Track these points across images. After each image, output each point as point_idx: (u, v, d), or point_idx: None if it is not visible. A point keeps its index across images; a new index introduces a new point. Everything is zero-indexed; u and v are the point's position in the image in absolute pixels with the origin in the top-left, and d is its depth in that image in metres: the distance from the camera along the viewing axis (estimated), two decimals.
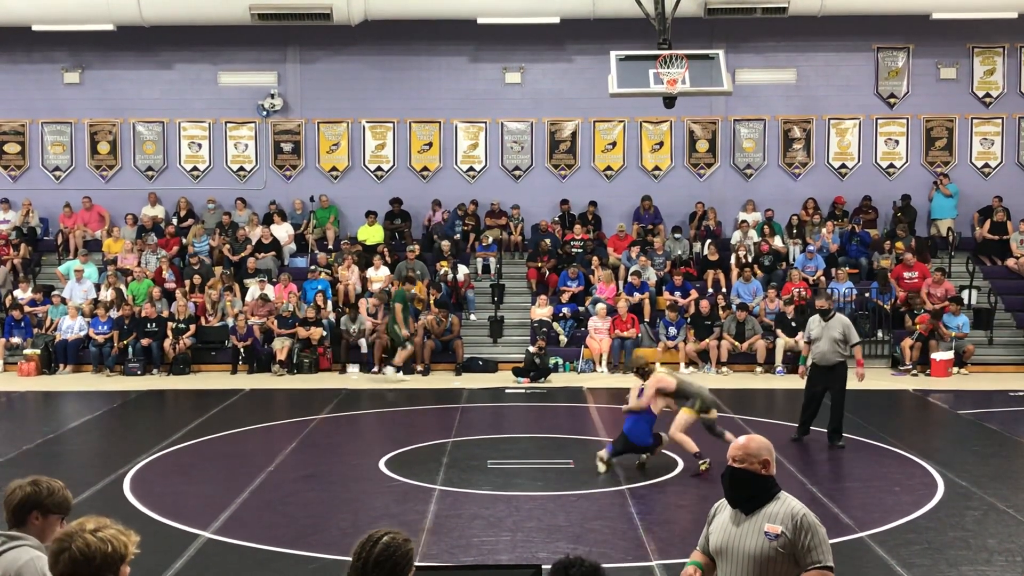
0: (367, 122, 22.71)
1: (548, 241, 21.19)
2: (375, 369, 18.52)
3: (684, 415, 10.93)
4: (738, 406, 14.99)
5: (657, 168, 22.67)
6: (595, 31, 21.26)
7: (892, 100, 22.49)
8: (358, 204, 22.31)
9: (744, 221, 21.68)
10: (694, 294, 19.89)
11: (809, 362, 12.59)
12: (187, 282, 20.21)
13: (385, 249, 21.07)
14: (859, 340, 12.62)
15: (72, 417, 14.96)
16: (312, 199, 22.35)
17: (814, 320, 12.59)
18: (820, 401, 12.44)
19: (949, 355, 18.18)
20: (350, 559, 3.55)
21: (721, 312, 19.37)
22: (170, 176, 22.82)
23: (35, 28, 21.11)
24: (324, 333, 18.88)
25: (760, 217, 21.93)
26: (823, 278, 20.18)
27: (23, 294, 20.13)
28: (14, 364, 18.79)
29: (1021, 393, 16.25)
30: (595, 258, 20.71)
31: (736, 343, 18.79)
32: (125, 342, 18.74)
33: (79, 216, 22.18)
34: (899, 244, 20.85)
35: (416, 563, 3.58)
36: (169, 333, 18.81)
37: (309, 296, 19.66)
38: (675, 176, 22.64)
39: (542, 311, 19.53)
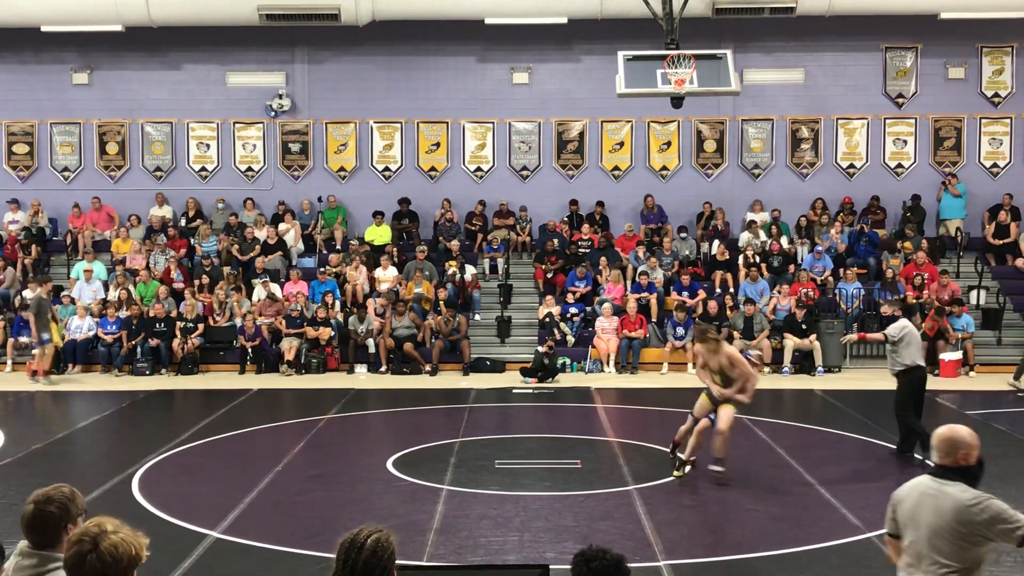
0: (375, 122, 22.72)
1: (555, 241, 21.18)
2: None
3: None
4: (744, 406, 14.93)
5: (665, 168, 22.65)
6: (603, 31, 21.25)
7: (900, 100, 22.44)
8: (366, 204, 22.33)
9: (752, 221, 21.63)
10: (702, 294, 19.88)
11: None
12: (196, 282, 20.26)
13: (393, 249, 21.09)
14: (893, 337, 11.70)
15: (81, 417, 15.00)
16: (320, 199, 22.38)
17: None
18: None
19: (957, 355, 18.15)
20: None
21: (729, 312, 19.35)
22: (178, 176, 22.86)
23: (44, 29, 21.18)
24: (332, 333, 18.91)
25: (768, 217, 21.90)
26: (831, 278, 20.17)
27: (32, 294, 20.14)
28: (23, 364, 18.85)
29: None
30: (603, 258, 20.70)
31: (745, 341, 18.72)
32: (134, 342, 18.80)
33: (88, 216, 22.24)
34: (908, 244, 20.80)
35: (424, 563, 3.53)
36: (177, 333, 18.86)
37: (317, 296, 19.69)
38: (683, 176, 22.63)
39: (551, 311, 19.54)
